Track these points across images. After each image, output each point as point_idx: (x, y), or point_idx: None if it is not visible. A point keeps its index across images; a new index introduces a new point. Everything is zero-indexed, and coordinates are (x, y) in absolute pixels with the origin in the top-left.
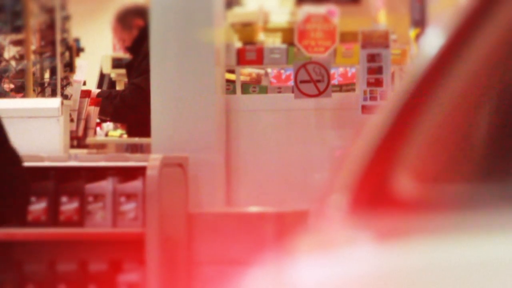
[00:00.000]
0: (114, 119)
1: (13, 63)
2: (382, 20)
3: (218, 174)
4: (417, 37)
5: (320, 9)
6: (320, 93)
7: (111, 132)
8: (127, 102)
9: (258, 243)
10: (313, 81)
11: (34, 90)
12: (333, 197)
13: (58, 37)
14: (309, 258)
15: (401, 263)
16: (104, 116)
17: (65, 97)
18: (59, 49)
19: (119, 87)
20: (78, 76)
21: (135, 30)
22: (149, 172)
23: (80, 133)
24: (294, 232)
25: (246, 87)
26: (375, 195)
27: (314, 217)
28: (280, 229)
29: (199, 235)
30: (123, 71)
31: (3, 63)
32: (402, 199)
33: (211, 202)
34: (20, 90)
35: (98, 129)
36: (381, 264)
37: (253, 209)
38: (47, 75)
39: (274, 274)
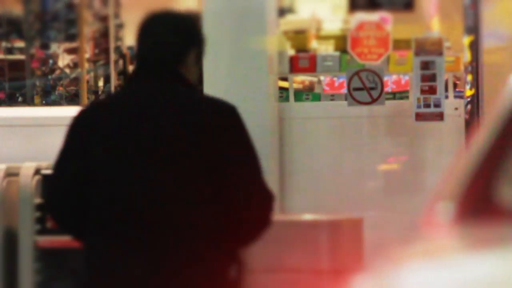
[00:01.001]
0: None
1: (67, 71)
2: (435, 27)
3: (272, 181)
4: (471, 44)
5: (373, 17)
6: (373, 101)
7: None
8: None
9: (311, 250)
10: (366, 88)
11: (88, 98)
12: (440, 206)
13: (112, 45)
14: (418, 264)
15: (508, 270)
16: None
17: None
18: (112, 57)
19: None
20: None
21: None
22: None
23: None
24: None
25: (299, 95)
26: (480, 204)
27: (422, 224)
28: (334, 236)
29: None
30: None
31: (58, 71)
32: (507, 208)
33: None
34: (74, 98)
35: None
36: (488, 271)
37: (307, 216)
38: (101, 83)
39: (380, 281)
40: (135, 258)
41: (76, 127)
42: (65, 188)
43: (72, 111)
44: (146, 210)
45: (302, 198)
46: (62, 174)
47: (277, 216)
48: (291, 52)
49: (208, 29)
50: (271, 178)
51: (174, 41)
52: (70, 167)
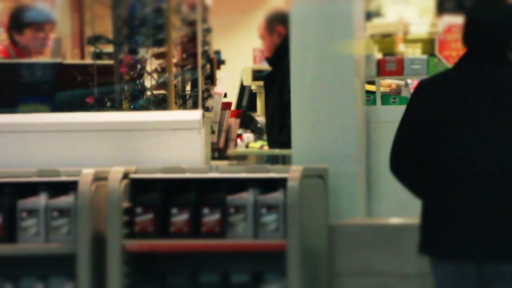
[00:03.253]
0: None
1: (155, 76)
2: None
3: (359, 185)
4: None
5: (461, 19)
6: None
7: (252, 143)
8: None
9: (399, 254)
10: None
11: (175, 103)
12: None
13: (200, 49)
14: None
15: None
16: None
17: (206, 109)
18: (200, 61)
19: (260, 99)
20: (219, 88)
21: (276, 36)
22: (290, 184)
23: (221, 144)
24: None
25: (386, 98)
26: None
27: None
28: None
29: (340, 246)
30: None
31: (145, 76)
32: None
33: (351, 213)
34: (162, 103)
35: (238, 140)
36: None
37: (394, 220)
38: (188, 88)
39: None
40: (475, 215)
41: (419, 95)
42: (408, 150)
43: (160, 115)
44: (490, 174)
45: (389, 202)
46: (404, 138)
47: (364, 220)
48: (378, 55)
49: (295, 33)
50: (358, 182)
51: (503, 28)
52: (413, 130)
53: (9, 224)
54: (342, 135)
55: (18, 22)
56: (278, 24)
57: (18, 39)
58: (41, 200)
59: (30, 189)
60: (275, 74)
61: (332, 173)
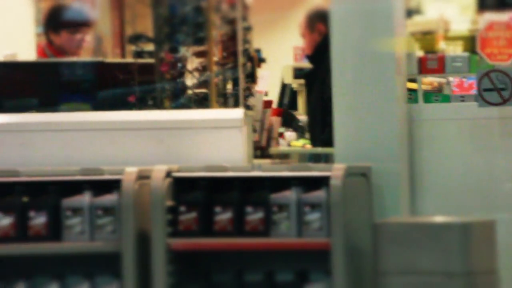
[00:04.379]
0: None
1: (196, 74)
2: None
3: (402, 183)
4: None
5: (503, 16)
6: (504, 102)
7: (294, 142)
8: None
9: (443, 252)
10: (496, 89)
11: (217, 101)
12: None
13: (240, 48)
14: None
15: None
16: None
17: (247, 107)
18: (241, 60)
19: (301, 97)
20: (260, 86)
21: (317, 34)
22: (333, 182)
23: (263, 143)
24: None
25: (428, 96)
26: None
27: None
28: (466, 238)
29: (384, 245)
30: (304, 81)
31: (186, 75)
32: None
33: (395, 211)
34: (203, 101)
35: (280, 139)
36: None
37: (438, 218)
38: (229, 86)
39: None
40: None
41: None
42: None
43: (202, 114)
44: None
45: (433, 200)
46: None
47: (408, 218)
48: (419, 53)
49: (335, 31)
50: (401, 180)
51: None
52: None
53: (54, 223)
54: (385, 133)
55: (54, 22)
56: (318, 22)
57: (54, 39)
58: (86, 198)
59: (74, 187)
60: (316, 72)
61: (375, 171)
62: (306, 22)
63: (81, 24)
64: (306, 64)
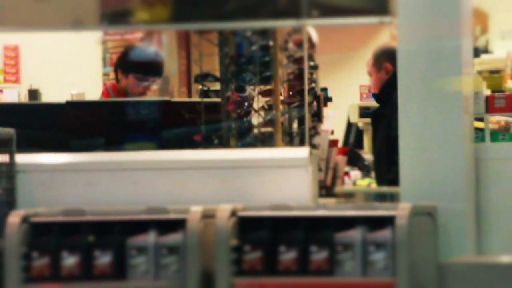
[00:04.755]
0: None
1: (262, 113)
2: None
3: (468, 222)
4: None
5: None
6: None
7: (359, 181)
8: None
9: None
10: None
11: (282, 140)
12: None
13: (306, 87)
14: None
15: None
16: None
17: (313, 146)
18: (307, 99)
19: (366, 136)
20: (325, 125)
21: (383, 73)
22: (398, 221)
23: (328, 182)
24: None
25: (495, 135)
26: None
27: None
28: None
29: (449, 285)
30: (370, 120)
31: (252, 114)
32: None
33: (461, 251)
34: (269, 140)
35: (346, 178)
36: None
37: (505, 258)
38: (295, 125)
39: None
40: None
41: None
42: None
43: (267, 153)
44: None
45: (499, 240)
46: None
47: (475, 258)
48: (486, 92)
49: (402, 69)
50: (467, 219)
51: None
52: None
53: (119, 262)
54: (451, 172)
55: (125, 64)
56: (385, 60)
57: (121, 79)
58: (151, 237)
59: (139, 226)
60: (383, 111)
61: (441, 211)
62: (373, 60)
63: (152, 74)
64: (372, 103)
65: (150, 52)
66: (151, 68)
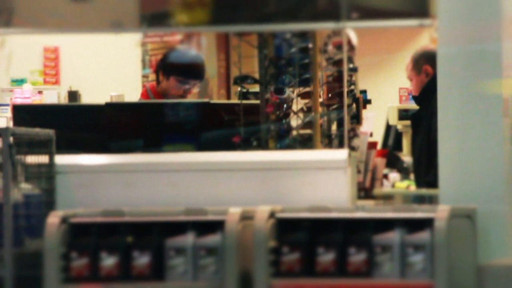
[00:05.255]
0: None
1: (301, 115)
2: None
3: (508, 225)
4: None
5: None
6: None
7: (398, 183)
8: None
9: None
10: None
11: (321, 142)
12: None
13: (345, 89)
14: None
15: None
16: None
17: (352, 148)
18: (346, 101)
19: (406, 138)
20: (364, 127)
21: (423, 75)
22: (437, 223)
23: (367, 184)
24: None
25: None
26: None
27: None
28: None
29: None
30: (409, 122)
31: (292, 116)
32: None
33: (501, 253)
34: (307, 142)
35: (384, 180)
36: None
37: None
38: (334, 127)
39: None
40: None
41: None
42: None
43: (306, 155)
44: None
45: None
46: None
47: None
48: None
49: (442, 72)
50: (507, 221)
51: None
52: None
53: (157, 263)
54: (490, 175)
55: (167, 66)
56: (425, 63)
57: (162, 80)
58: (189, 239)
59: (178, 228)
60: (422, 113)
61: (480, 213)
62: (413, 63)
63: (193, 77)
64: (411, 105)
65: (192, 55)
66: (192, 72)
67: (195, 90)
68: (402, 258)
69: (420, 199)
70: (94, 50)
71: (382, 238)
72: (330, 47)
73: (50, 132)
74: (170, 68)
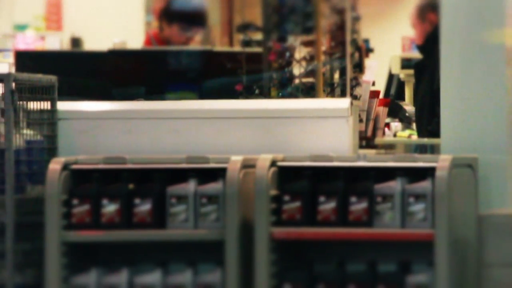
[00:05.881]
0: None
1: (303, 64)
2: None
3: (509, 175)
4: None
5: None
6: None
7: (400, 132)
8: None
9: None
10: None
11: (324, 91)
12: None
13: (348, 38)
14: None
15: None
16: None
17: (354, 97)
18: (349, 49)
19: (408, 88)
20: (367, 76)
21: (428, 24)
22: (438, 173)
23: (369, 133)
24: None
25: None
26: None
27: None
28: None
29: (489, 237)
30: (412, 71)
31: (294, 64)
32: None
33: (501, 203)
34: (310, 91)
35: (386, 129)
36: None
37: None
38: (336, 76)
39: None
40: None
41: None
42: None
43: (309, 103)
44: None
45: None
46: None
47: None
48: None
49: (445, 21)
50: (508, 171)
51: None
52: None
53: (159, 210)
54: (492, 124)
55: (170, 13)
56: (429, 11)
57: (165, 28)
58: (191, 186)
59: (179, 175)
60: (426, 62)
61: (481, 163)
62: (417, 12)
63: (196, 24)
64: (415, 54)
65: (195, 2)
66: (195, 18)
67: (198, 37)
68: (403, 208)
69: (422, 149)
70: None
71: (383, 187)
72: None
73: (52, 78)
74: (173, 15)
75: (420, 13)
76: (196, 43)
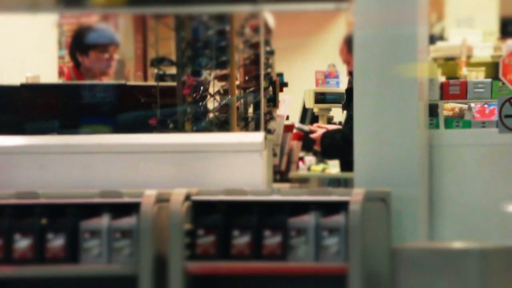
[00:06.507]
0: (329, 156)
1: (217, 98)
2: None
3: (421, 208)
4: None
5: None
6: None
7: (314, 166)
8: (347, 138)
9: (461, 279)
10: None
11: (238, 125)
12: None
13: (262, 72)
14: None
15: None
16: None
17: (268, 131)
18: (262, 84)
19: (321, 122)
20: (281, 110)
21: None
22: (352, 207)
23: (283, 167)
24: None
25: (449, 122)
26: None
27: None
28: (485, 265)
29: (402, 270)
30: (325, 105)
31: (208, 98)
32: None
33: (414, 237)
34: (224, 125)
35: (300, 163)
36: None
37: (457, 244)
38: (250, 110)
39: None
40: None
41: None
42: None
43: (223, 137)
44: None
45: (451, 226)
46: None
47: (427, 243)
48: (441, 79)
49: (358, 55)
50: (420, 205)
51: None
52: None
53: (72, 245)
54: (405, 158)
55: (82, 43)
56: None
57: (82, 61)
58: (104, 221)
59: (93, 210)
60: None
61: (394, 197)
62: (347, 45)
63: (109, 43)
64: (328, 89)
65: (97, 26)
66: (107, 38)
67: (116, 57)
68: (317, 241)
69: (335, 183)
70: (9, 30)
71: (297, 221)
72: (247, 30)
73: None
74: (85, 43)
75: (349, 45)
76: (110, 78)
